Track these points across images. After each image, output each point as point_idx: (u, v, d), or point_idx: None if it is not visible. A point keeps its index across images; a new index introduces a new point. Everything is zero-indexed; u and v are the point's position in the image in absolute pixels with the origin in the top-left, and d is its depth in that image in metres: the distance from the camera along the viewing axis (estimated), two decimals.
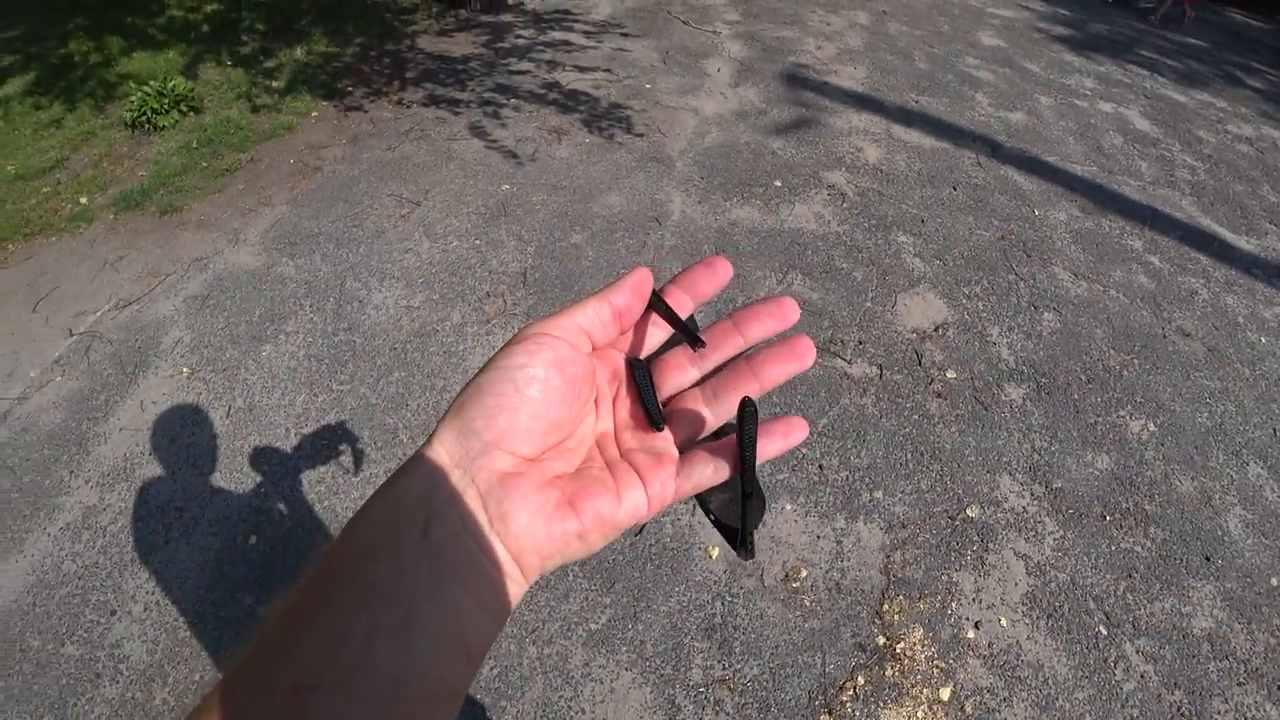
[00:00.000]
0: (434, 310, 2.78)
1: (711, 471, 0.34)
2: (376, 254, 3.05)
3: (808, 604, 1.99)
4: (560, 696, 1.79)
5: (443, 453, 0.30)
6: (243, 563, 2.17)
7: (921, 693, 1.89)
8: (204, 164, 3.67)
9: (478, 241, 3.11)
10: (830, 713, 1.82)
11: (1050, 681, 1.94)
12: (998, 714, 1.88)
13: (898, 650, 1.95)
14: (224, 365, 2.63)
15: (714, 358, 0.37)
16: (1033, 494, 2.36)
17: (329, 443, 2.42)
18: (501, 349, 0.32)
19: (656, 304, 0.36)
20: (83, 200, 3.52)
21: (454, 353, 2.63)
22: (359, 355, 2.61)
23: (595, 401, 0.36)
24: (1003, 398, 2.63)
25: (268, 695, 0.24)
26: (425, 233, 3.15)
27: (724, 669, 1.85)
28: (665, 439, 0.36)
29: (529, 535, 0.30)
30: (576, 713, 1.77)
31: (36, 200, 3.57)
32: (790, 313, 0.36)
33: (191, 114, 4.05)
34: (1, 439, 2.49)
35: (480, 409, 0.30)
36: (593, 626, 1.90)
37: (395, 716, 0.25)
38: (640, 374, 0.37)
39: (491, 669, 1.83)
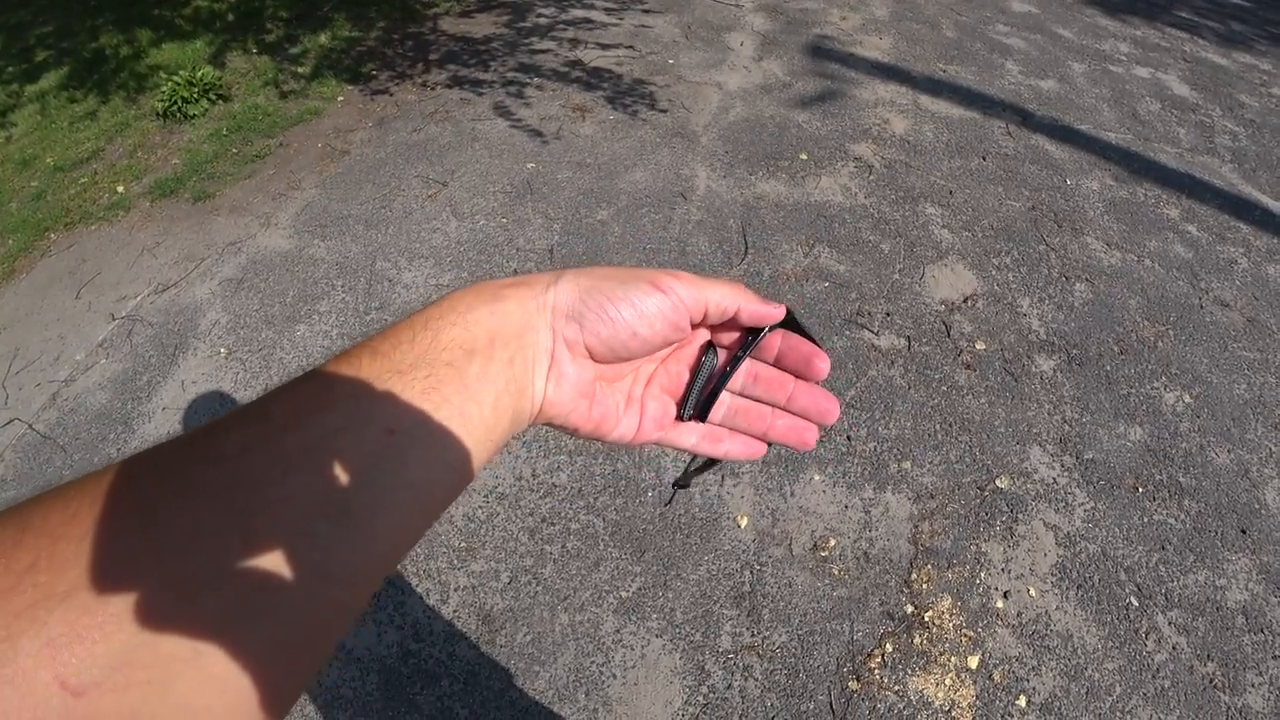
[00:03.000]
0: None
1: (693, 443, 0.43)
2: (405, 234, 3.10)
3: (836, 573, 2.01)
4: (592, 662, 1.84)
5: (549, 304, 0.35)
6: None
7: (950, 660, 1.91)
8: (234, 150, 3.74)
9: (504, 220, 3.14)
10: (858, 679, 1.85)
11: (1080, 651, 1.94)
12: (1026, 683, 1.88)
13: (926, 619, 1.96)
14: (260, 345, 2.70)
15: (756, 389, 0.43)
16: (1063, 465, 2.34)
17: None
18: (651, 274, 0.37)
19: (750, 340, 0.41)
20: (120, 189, 3.62)
21: None
22: None
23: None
24: (1033, 369, 2.61)
25: (365, 425, 0.28)
26: (453, 212, 3.19)
27: (753, 636, 1.88)
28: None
29: (561, 404, 0.36)
30: (608, 678, 1.82)
31: (75, 190, 3.67)
32: (830, 419, 0.43)
33: (220, 102, 4.12)
34: (51, 419, 2.59)
35: (600, 308, 0.36)
36: (623, 594, 1.94)
37: (447, 477, 0.31)
38: (705, 366, 0.41)
39: (525, 635, 1.89)
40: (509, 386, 0.33)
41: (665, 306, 0.36)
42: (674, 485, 0.41)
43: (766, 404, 0.43)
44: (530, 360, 0.34)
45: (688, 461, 0.45)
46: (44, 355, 2.85)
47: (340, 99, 4.09)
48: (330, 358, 0.31)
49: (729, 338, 0.42)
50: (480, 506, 2.12)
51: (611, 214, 3.15)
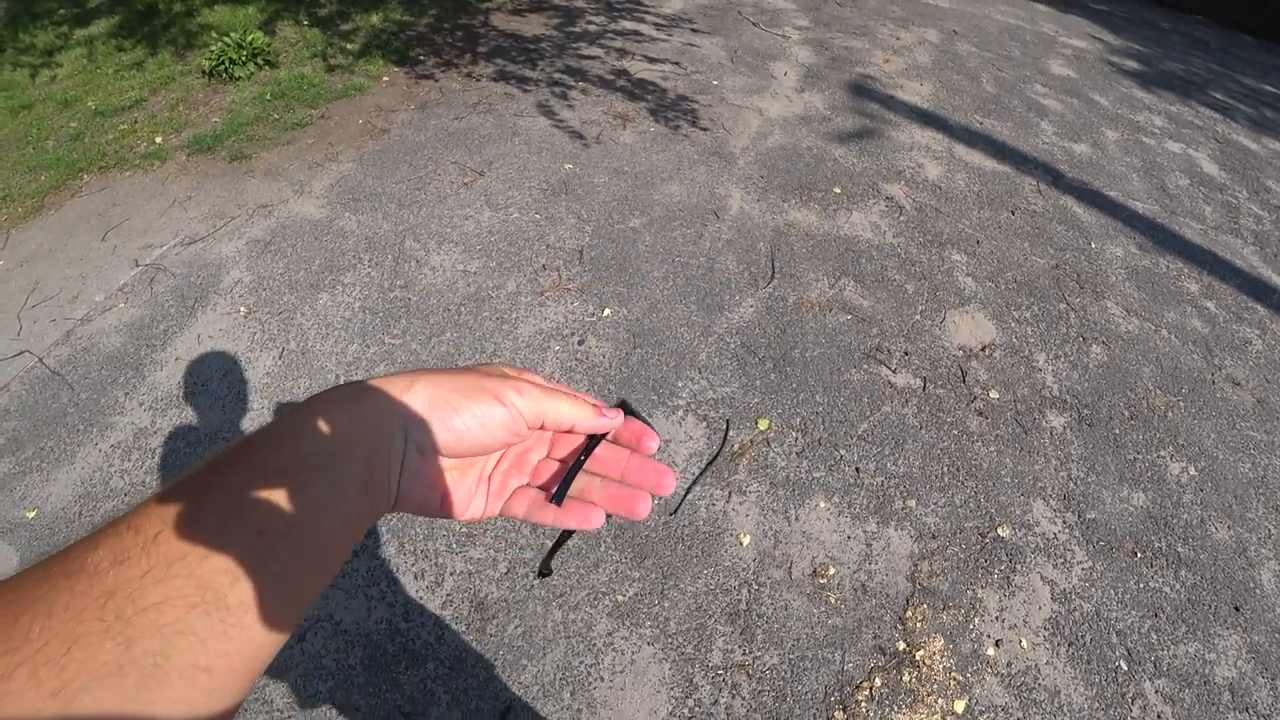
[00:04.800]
0: (490, 277, 2.84)
1: (524, 512, 0.45)
2: (437, 218, 3.12)
3: (833, 601, 2.01)
4: (581, 662, 1.83)
5: (401, 412, 0.38)
6: None
7: (937, 702, 1.90)
8: (275, 116, 3.77)
9: (537, 216, 3.17)
10: (845, 710, 1.84)
11: (1065, 709, 1.93)
12: None
13: (917, 658, 1.96)
14: (281, 309, 2.70)
15: (592, 465, 0.46)
16: (1065, 522, 2.34)
17: None
18: (496, 386, 0.41)
19: (592, 441, 0.46)
20: (157, 140, 3.64)
21: (506, 320, 2.68)
22: (413, 312, 2.68)
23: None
24: (1044, 424, 2.62)
25: (236, 530, 0.30)
26: (486, 202, 3.21)
27: (744, 654, 1.88)
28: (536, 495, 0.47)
29: (413, 498, 0.40)
30: (595, 680, 1.81)
31: (114, 136, 3.69)
32: (665, 489, 0.46)
33: (267, 68, 4.17)
34: (62, 356, 2.58)
35: (446, 418, 0.39)
36: (619, 598, 1.93)
37: (315, 571, 0.33)
38: (582, 456, 0.46)
39: (516, 627, 1.88)
40: (367, 485, 0.36)
41: (505, 418, 0.40)
42: (538, 574, 0.47)
43: (601, 477, 0.46)
44: (386, 460, 0.37)
45: (547, 551, 0.49)
46: (63, 292, 2.84)
47: (385, 79, 4.13)
48: (198, 464, 0.33)
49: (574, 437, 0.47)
50: None
51: (644, 223, 3.18)
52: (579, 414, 0.44)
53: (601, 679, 1.81)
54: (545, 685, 1.79)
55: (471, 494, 0.44)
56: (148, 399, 2.47)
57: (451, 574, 1.97)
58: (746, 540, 2.09)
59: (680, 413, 2.36)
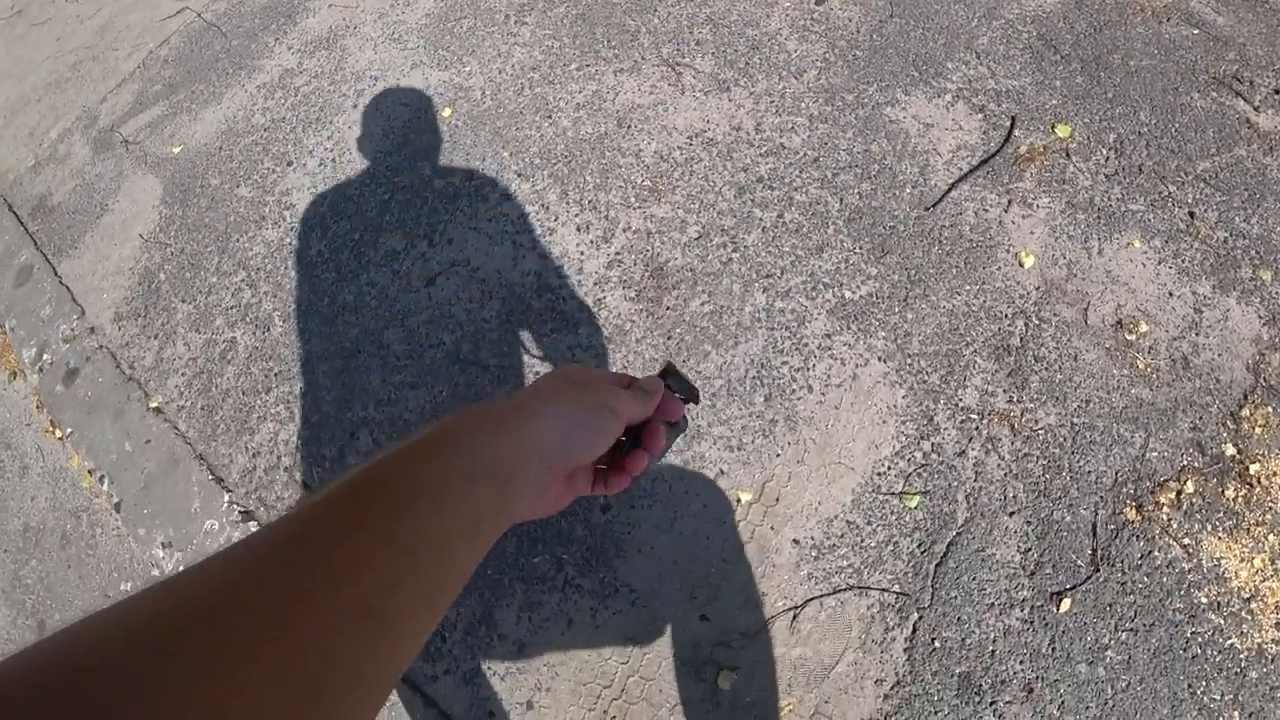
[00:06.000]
0: None
1: (589, 485, 0.50)
2: None
3: (1140, 366, 1.40)
4: (784, 362, 1.34)
5: (538, 439, 0.40)
6: (430, 134, 1.87)
7: (1266, 537, 1.31)
8: None
9: None
10: (1139, 510, 1.29)
11: None
12: None
13: (1251, 472, 1.35)
14: None
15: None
16: None
17: (552, 33, 1.99)
18: (606, 400, 0.45)
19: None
20: None
21: None
22: None
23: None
24: None
25: (393, 543, 0.30)
26: None
27: (1010, 403, 1.33)
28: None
29: (537, 513, 0.43)
30: (801, 389, 1.32)
31: None
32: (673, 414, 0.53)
33: None
34: (219, 10, 2.52)
35: (580, 440, 0.43)
36: (847, 294, 1.40)
37: (453, 586, 0.34)
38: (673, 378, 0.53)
39: (702, 303, 1.41)
40: (501, 506, 0.36)
41: (614, 427, 0.45)
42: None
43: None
44: (522, 483, 0.38)
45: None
46: None
47: None
48: (358, 469, 0.32)
49: None
50: (680, 147, 1.59)
51: None
52: (645, 408, 0.48)
53: (810, 389, 1.32)
54: (732, 382, 1.33)
55: (560, 491, 0.45)
56: (296, 43, 2.23)
57: (625, 230, 1.49)
58: (1029, 262, 1.47)
59: (949, 97, 1.69)
